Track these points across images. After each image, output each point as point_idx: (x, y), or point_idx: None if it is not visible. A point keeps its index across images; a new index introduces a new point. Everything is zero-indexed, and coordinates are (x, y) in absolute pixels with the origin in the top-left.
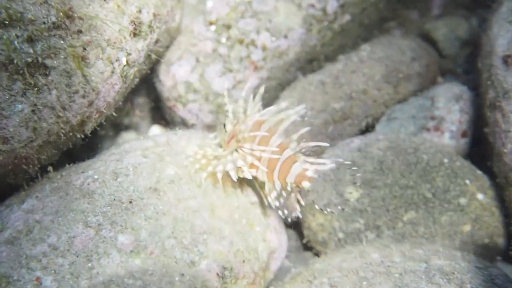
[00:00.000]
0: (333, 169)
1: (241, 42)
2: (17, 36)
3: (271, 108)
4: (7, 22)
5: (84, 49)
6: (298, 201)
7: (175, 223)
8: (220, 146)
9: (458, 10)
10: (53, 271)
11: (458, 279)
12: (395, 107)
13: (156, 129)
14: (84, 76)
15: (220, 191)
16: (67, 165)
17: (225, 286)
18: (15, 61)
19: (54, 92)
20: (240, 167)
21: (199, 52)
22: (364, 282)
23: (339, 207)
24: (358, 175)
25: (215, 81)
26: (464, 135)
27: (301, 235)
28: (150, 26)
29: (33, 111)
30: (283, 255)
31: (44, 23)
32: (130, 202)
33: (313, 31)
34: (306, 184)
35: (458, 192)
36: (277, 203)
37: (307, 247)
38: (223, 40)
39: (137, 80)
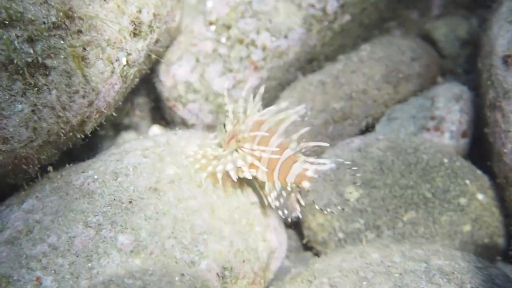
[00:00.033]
0: (333, 169)
1: (241, 42)
2: (17, 36)
3: (271, 108)
4: (7, 22)
5: (84, 49)
6: (298, 201)
7: (175, 223)
8: (220, 146)
9: (458, 10)
10: (53, 271)
11: (458, 279)
12: (395, 107)
13: (156, 129)
14: (84, 76)
15: (220, 191)
16: (67, 165)
17: (225, 286)
18: (15, 61)
19: (54, 92)
20: (240, 167)
21: (199, 52)
22: (364, 282)
23: (339, 207)
24: (358, 175)
25: (215, 81)
26: (464, 135)
27: (301, 235)
28: (150, 26)
29: (33, 111)
30: (283, 255)
31: (44, 23)
32: (130, 202)
33: (313, 31)
34: (306, 184)
35: (458, 192)
36: (277, 203)
37: (307, 247)
38: (223, 40)
39: (137, 80)
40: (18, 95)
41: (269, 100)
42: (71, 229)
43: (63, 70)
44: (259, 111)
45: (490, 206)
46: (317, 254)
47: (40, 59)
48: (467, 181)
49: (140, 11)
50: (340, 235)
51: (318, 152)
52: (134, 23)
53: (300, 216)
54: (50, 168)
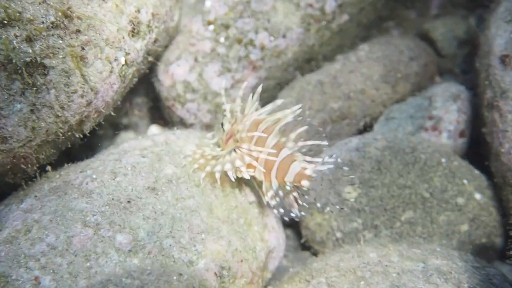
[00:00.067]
0: (331, 169)
1: (239, 41)
2: (16, 36)
3: (267, 107)
4: (6, 22)
5: (83, 48)
6: (297, 201)
7: (173, 222)
8: (218, 146)
9: (457, 10)
10: (51, 271)
11: (456, 278)
12: (393, 107)
13: (154, 129)
14: (82, 75)
15: (218, 190)
16: (65, 165)
17: (223, 285)
18: (13, 61)
19: (52, 91)
20: (238, 168)
21: (197, 51)
22: (362, 282)
23: (338, 207)
24: (352, 177)
25: (214, 81)
26: (462, 135)
27: (299, 235)
28: (148, 26)
29: (31, 110)
30: (281, 254)
31: (42, 22)
32: (129, 201)
33: (312, 30)
34: (305, 183)
35: (456, 191)
36: (273, 202)
37: (305, 247)
38: (222, 39)
39: (135, 79)
40: (17, 94)
41: (267, 100)
42: (70, 228)
43: (62, 70)
44: (256, 110)
45: (487, 206)
46: (315, 254)
47: (38, 59)
48: (465, 181)
49: (138, 11)
50: (338, 234)
51: (316, 152)
52: (133, 23)
53: (299, 215)
54: (48, 168)
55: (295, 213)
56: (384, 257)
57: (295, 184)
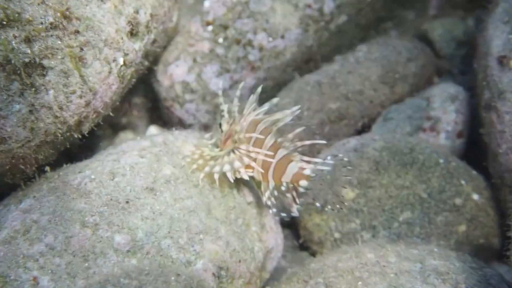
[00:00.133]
0: (329, 168)
1: (238, 42)
2: (15, 36)
3: (264, 106)
4: (5, 22)
5: (82, 49)
6: (294, 200)
7: (172, 223)
8: (217, 146)
9: (455, 11)
10: (50, 271)
11: (453, 279)
12: (391, 108)
13: (153, 129)
14: (81, 76)
15: (216, 191)
16: (64, 165)
17: (221, 286)
18: (12, 61)
19: (51, 92)
20: (236, 169)
21: (196, 52)
22: (359, 282)
23: (338, 206)
24: (349, 177)
25: (212, 81)
26: (459, 135)
27: (297, 235)
28: (147, 27)
29: (30, 111)
30: (279, 255)
31: (41, 23)
32: (127, 202)
33: (310, 31)
34: (303, 183)
35: (454, 192)
36: (269, 202)
37: (303, 247)
38: (220, 40)
39: (134, 80)
40: (16, 95)
41: (266, 101)
42: (68, 229)
43: (61, 70)
44: (254, 110)
45: (485, 207)
46: (313, 254)
47: (37, 59)
48: (463, 182)
49: (137, 12)
50: (336, 235)
51: (314, 152)
52: (131, 24)
53: (297, 215)
54: (47, 168)
55: (294, 212)
56: (382, 258)
57: (293, 184)
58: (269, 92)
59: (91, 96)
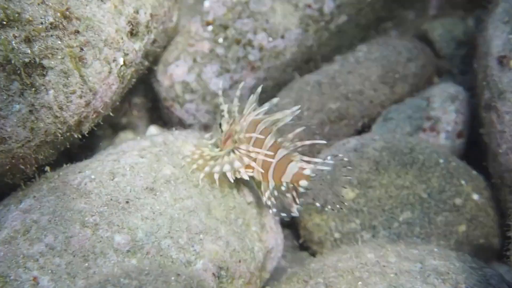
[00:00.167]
0: (329, 168)
1: (238, 42)
2: (15, 36)
3: (264, 106)
4: (5, 22)
5: (82, 49)
6: (294, 200)
7: (172, 223)
8: (217, 146)
9: (455, 11)
10: (50, 271)
11: (453, 279)
12: (391, 108)
13: (153, 129)
14: (81, 76)
15: (216, 191)
16: (64, 165)
17: (221, 286)
18: (12, 61)
19: (51, 92)
20: (237, 169)
21: (196, 52)
22: (359, 282)
23: (338, 206)
24: (349, 177)
25: (212, 81)
26: (459, 135)
27: (297, 235)
28: (147, 27)
29: (30, 111)
30: (279, 255)
31: (41, 23)
32: (127, 202)
33: (310, 31)
34: (303, 183)
35: (454, 192)
36: (269, 202)
37: (303, 247)
38: (220, 40)
39: (134, 80)
40: (16, 95)
41: (266, 101)
42: (68, 229)
43: (61, 70)
44: (254, 110)
45: (485, 207)
46: (313, 254)
47: (37, 59)
48: (463, 182)
49: (137, 12)
50: (336, 235)
51: (314, 153)
52: (131, 24)
53: (297, 215)
54: (47, 168)
55: (294, 212)
56: (381, 258)
57: (293, 184)
58: (269, 92)
59: (91, 96)
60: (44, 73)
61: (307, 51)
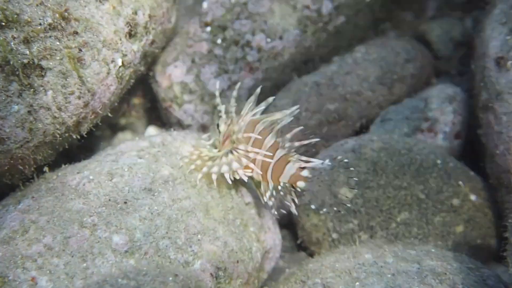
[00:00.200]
0: (327, 169)
1: (236, 43)
2: (14, 37)
3: (261, 106)
4: (3, 24)
5: (80, 50)
6: (293, 201)
7: (170, 223)
8: (215, 147)
9: (453, 12)
10: (48, 271)
11: (450, 280)
12: (389, 108)
13: (152, 130)
14: (79, 77)
15: (214, 191)
16: (63, 166)
17: (219, 286)
18: (11, 62)
19: (50, 93)
20: (235, 170)
21: (194, 53)
22: (357, 283)
23: (335, 208)
24: (354, 178)
25: (211, 82)
26: (457, 136)
27: (295, 236)
28: (145, 28)
29: (29, 112)
30: (277, 255)
31: (40, 24)
32: (125, 202)
33: (308, 32)
34: (301, 184)
35: (451, 193)
36: (270, 203)
37: (301, 248)
38: (219, 41)
39: (132, 81)
40: (14, 96)
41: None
42: (67, 229)
43: (59, 71)
44: (252, 110)
45: (482, 207)
46: (311, 255)
47: (36, 60)
48: (460, 182)
49: (135, 13)
50: (334, 235)
51: (312, 153)
52: (130, 25)
53: (297, 213)
54: (46, 169)
55: (293, 211)
56: (379, 258)
57: (291, 184)
58: (267, 93)
59: (89, 97)
60: (43, 74)
61: (305, 52)
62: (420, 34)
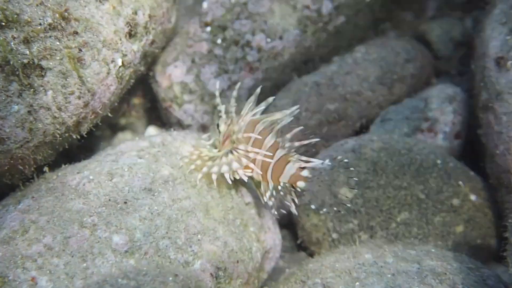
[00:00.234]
0: (327, 169)
1: (236, 43)
2: (14, 37)
3: (260, 106)
4: (4, 24)
5: (80, 50)
6: (293, 200)
7: (170, 223)
8: (215, 147)
9: (453, 12)
10: (48, 271)
11: (450, 280)
12: (389, 109)
13: (152, 130)
14: (79, 77)
15: (214, 191)
16: (63, 166)
17: (219, 286)
18: (11, 62)
19: (50, 93)
20: (235, 170)
21: (194, 53)
22: (357, 283)
23: (335, 208)
24: (354, 178)
25: (211, 82)
26: (457, 136)
27: (295, 236)
28: (145, 28)
29: (29, 112)
30: (277, 255)
31: (40, 24)
32: (125, 202)
33: (308, 32)
34: (301, 184)
35: (451, 193)
36: (270, 203)
37: (301, 248)
38: (219, 41)
39: (132, 81)
40: (14, 96)
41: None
42: (67, 229)
43: (59, 71)
44: (251, 110)
45: (482, 207)
46: (311, 255)
47: (36, 60)
48: (460, 182)
49: (135, 13)
50: (334, 235)
51: (312, 154)
52: (130, 25)
53: (297, 213)
54: (46, 169)
55: (293, 211)
56: (379, 258)
57: (291, 184)
58: (267, 93)
59: (89, 97)
60: (43, 74)
61: (305, 52)
62: (420, 34)
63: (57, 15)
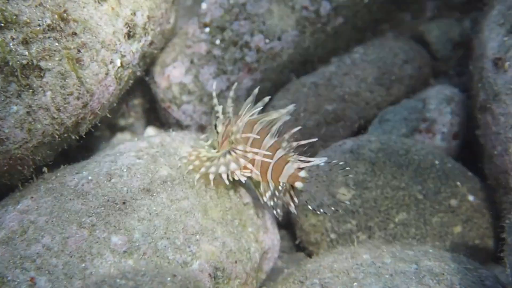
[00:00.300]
0: (325, 170)
1: (235, 44)
2: (13, 38)
3: (257, 106)
4: (2, 24)
5: (79, 51)
6: (292, 200)
7: (168, 223)
8: (214, 148)
9: (452, 13)
10: (47, 272)
11: (448, 280)
12: (387, 109)
13: (151, 131)
14: (78, 78)
15: (213, 192)
16: (62, 166)
17: (217, 286)
18: (10, 63)
19: (48, 93)
20: (233, 171)
21: (193, 53)
22: (355, 283)
23: (333, 208)
24: (350, 176)
25: (210, 83)
26: (455, 137)
27: (294, 236)
28: (144, 29)
29: (28, 112)
30: (276, 255)
31: (39, 25)
32: (124, 203)
33: (307, 33)
34: (299, 185)
35: (449, 193)
36: (271, 203)
37: (299, 248)
38: (217, 42)
39: (131, 81)
40: (13, 96)
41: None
42: (65, 229)
43: (58, 72)
44: (249, 111)
45: (480, 208)
46: (309, 255)
47: (35, 61)
48: (458, 183)
49: (134, 14)
50: (332, 235)
51: (311, 154)
52: (128, 26)
53: (296, 212)
54: (45, 169)
55: (292, 211)
56: (377, 259)
57: (290, 184)
58: (266, 94)
59: (88, 97)
60: (42, 74)
61: (303, 53)
62: (419, 35)
63: (56, 16)
